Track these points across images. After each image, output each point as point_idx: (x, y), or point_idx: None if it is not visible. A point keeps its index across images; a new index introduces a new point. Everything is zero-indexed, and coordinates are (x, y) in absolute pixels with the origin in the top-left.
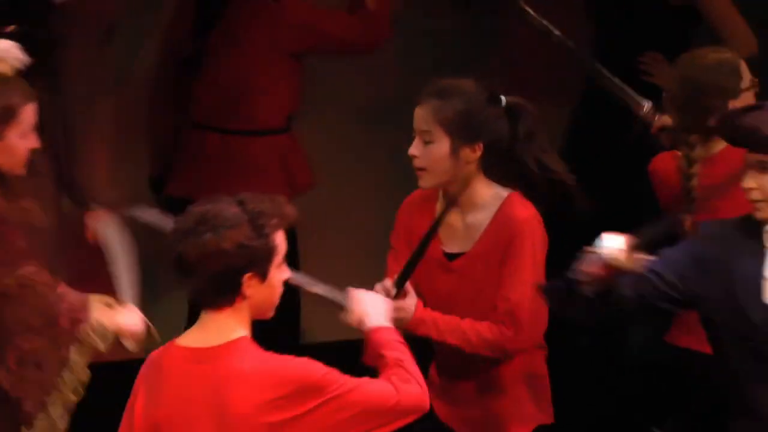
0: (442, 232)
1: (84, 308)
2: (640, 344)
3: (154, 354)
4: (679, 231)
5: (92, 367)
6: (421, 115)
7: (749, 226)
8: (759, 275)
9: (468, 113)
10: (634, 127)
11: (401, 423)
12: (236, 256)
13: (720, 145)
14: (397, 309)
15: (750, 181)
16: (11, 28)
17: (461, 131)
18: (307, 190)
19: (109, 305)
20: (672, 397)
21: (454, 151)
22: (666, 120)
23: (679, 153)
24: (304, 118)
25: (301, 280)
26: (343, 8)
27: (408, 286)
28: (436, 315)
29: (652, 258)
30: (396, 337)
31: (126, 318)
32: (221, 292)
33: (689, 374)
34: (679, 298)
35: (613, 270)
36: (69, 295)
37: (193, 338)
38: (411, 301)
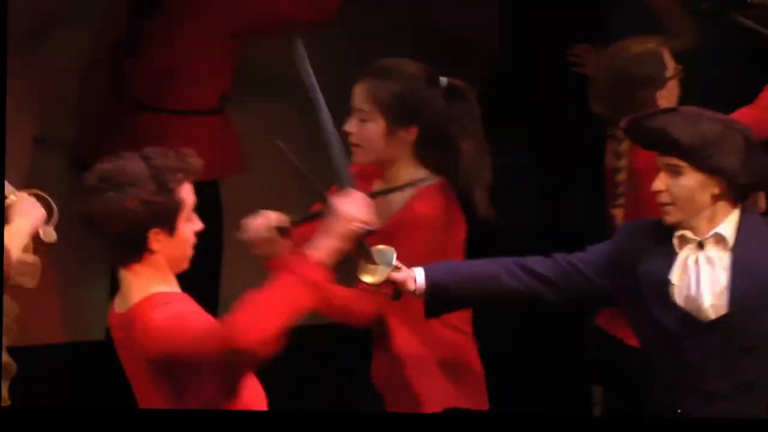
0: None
1: None
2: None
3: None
4: (609, 226)
5: None
6: (359, 93)
7: (665, 228)
8: (665, 280)
9: (404, 95)
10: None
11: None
12: (140, 213)
13: None
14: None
15: (659, 184)
16: None
17: (396, 113)
18: (240, 171)
19: None
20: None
21: (389, 132)
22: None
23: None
24: (239, 99)
25: (294, 159)
26: None
27: None
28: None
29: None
30: (304, 278)
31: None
32: (128, 248)
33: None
34: (595, 293)
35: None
36: None
37: (118, 302)
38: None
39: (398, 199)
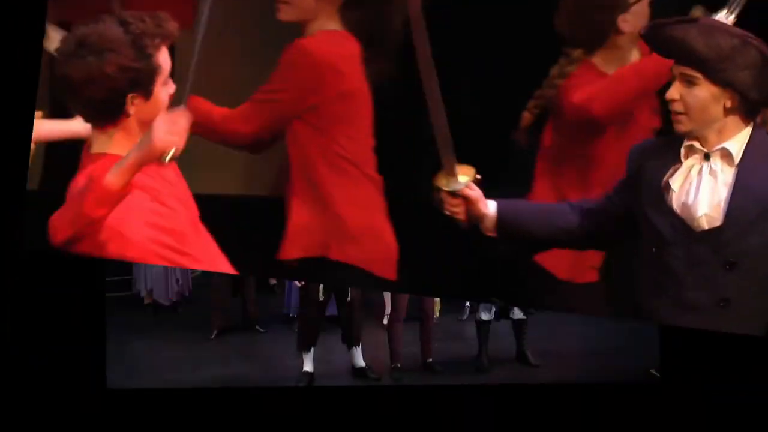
0: None
1: None
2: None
3: None
4: None
5: None
6: None
7: (672, 142)
8: (666, 185)
9: None
10: None
11: None
12: (119, 79)
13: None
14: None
15: (673, 93)
16: None
17: None
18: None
19: None
20: None
21: None
22: None
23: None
24: None
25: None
26: None
27: None
28: None
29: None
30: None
31: None
32: (105, 112)
33: None
34: (622, 214)
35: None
36: None
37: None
38: None
39: None
